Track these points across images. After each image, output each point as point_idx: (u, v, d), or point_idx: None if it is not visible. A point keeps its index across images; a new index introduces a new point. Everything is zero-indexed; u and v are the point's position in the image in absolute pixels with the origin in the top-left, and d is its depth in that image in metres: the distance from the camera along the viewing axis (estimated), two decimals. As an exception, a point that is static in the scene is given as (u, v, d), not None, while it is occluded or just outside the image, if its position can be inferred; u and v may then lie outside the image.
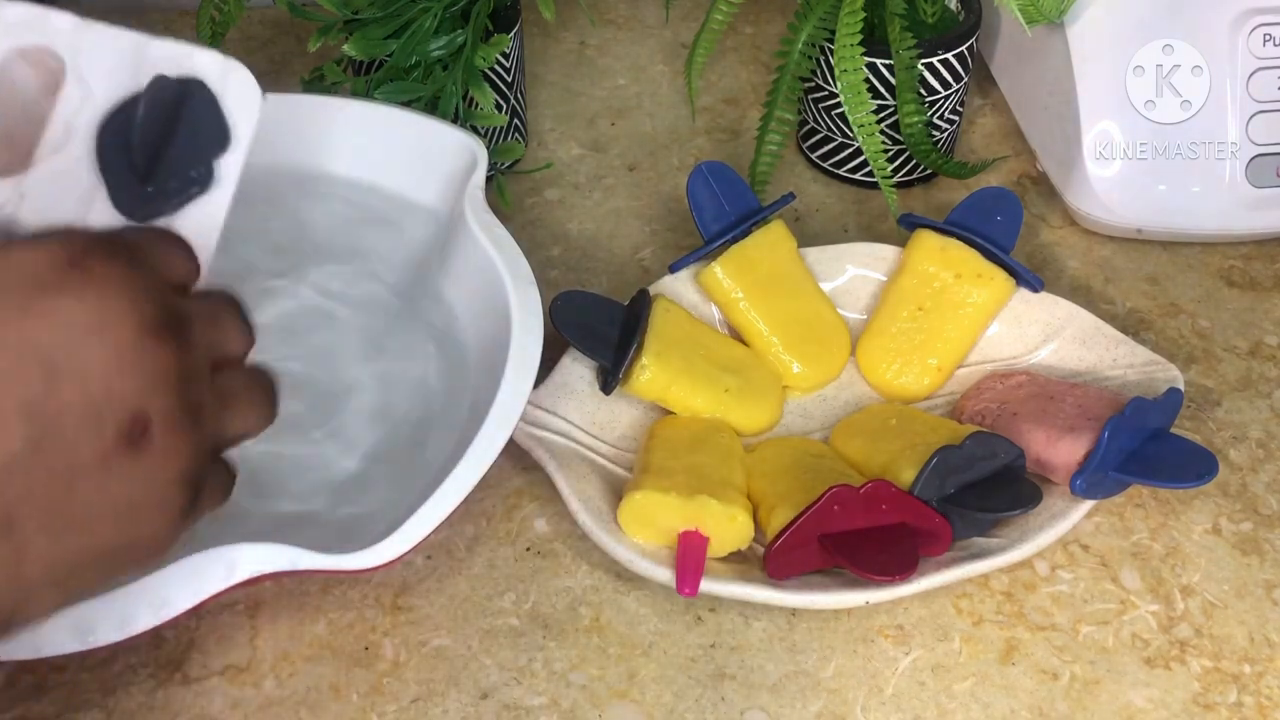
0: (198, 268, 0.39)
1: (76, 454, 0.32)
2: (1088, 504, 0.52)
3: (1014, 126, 0.74)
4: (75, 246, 0.34)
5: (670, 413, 0.57)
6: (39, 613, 0.34)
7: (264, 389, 0.40)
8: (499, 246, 0.55)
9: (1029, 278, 0.58)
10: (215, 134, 0.41)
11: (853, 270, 0.62)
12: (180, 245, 0.39)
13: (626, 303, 0.58)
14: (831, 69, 0.65)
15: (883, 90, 0.66)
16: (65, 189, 0.39)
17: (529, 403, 0.51)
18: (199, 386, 0.36)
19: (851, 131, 0.66)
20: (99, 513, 0.33)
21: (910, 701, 0.48)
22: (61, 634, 0.43)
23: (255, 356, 0.58)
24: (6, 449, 0.31)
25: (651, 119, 0.76)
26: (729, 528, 0.50)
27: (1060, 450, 0.52)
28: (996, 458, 0.51)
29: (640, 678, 0.49)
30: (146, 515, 0.35)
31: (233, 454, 0.40)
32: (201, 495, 0.37)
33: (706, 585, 0.49)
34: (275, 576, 0.46)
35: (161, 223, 0.40)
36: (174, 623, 0.44)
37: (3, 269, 0.33)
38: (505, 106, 0.68)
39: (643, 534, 0.51)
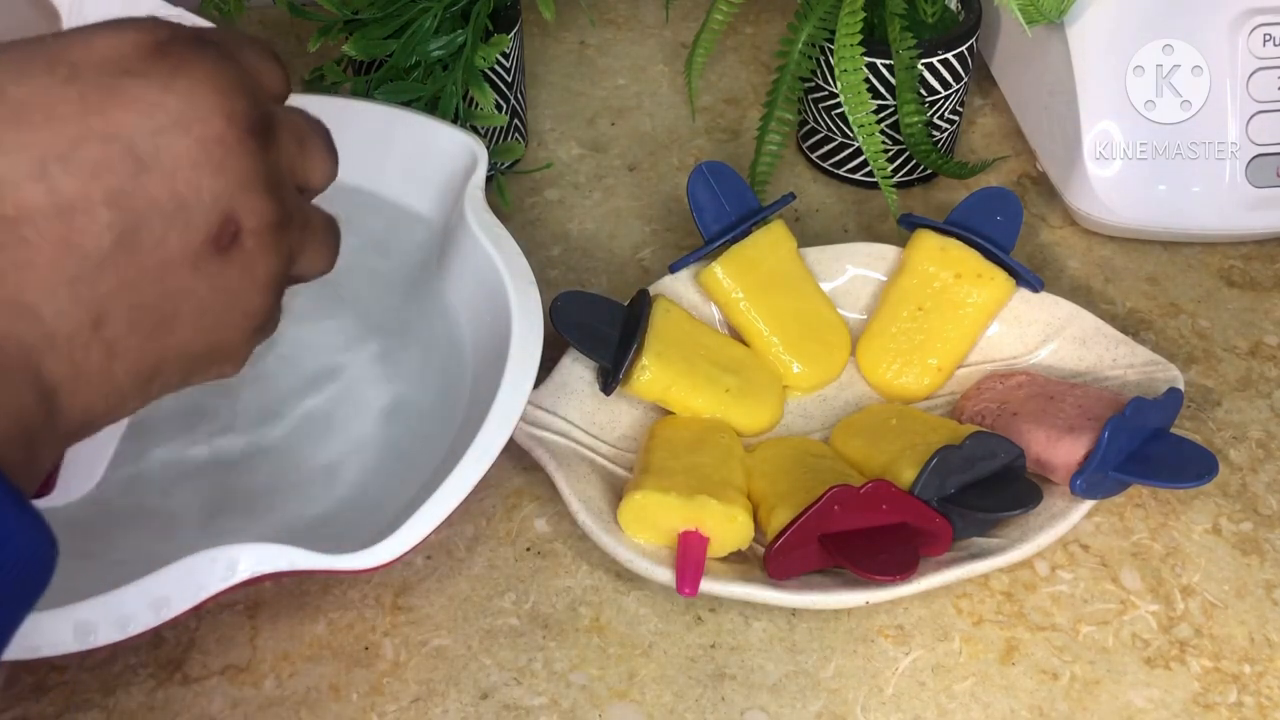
0: (286, 79, 0.36)
1: (166, 251, 0.31)
2: (1088, 504, 0.52)
3: (1014, 126, 0.74)
4: (162, 34, 0.32)
5: (670, 413, 0.57)
6: (122, 414, 0.33)
7: (333, 230, 0.38)
8: (499, 246, 0.55)
9: (1029, 278, 0.58)
10: None
11: (853, 270, 0.62)
12: (269, 53, 0.35)
13: (627, 303, 0.58)
14: (831, 69, 0.65)
15: (883, 90, 0.66)
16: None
17: (529, 403, 0.51)
18: (288, 196, 0.34)
19: (851, 131, 0.66)
20: (187, 315, 0.32)
21: (910, 701, 0.48)
22: (61, 634, 0.43)
23: (254, 358, 0.58)
24: (96, 243, 0.30)
25: (651, 119, 0.76)
26: (729, 528, 0.50)
27: (1060, 450, 0.52)
28: (997, 458, 0.51)
29: (640, 678, 0.49)
30: (232, 321, 0.34)
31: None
32: (279, 310, 0.36)
33: (706, 585, 0.49)
34: (275, 576, 0.46)
35: None
36: (174, 623, 0.44)
37: (85, 53, 0.30)
38: (505, 106, 0.68)
39: (643, 534, 0.51)
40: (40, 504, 0.31)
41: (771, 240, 0.60)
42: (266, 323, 0.36)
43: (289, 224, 0.35)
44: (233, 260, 0.33)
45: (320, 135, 0.36)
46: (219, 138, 0.31)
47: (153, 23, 0.32)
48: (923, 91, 0.66)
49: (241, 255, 0.33)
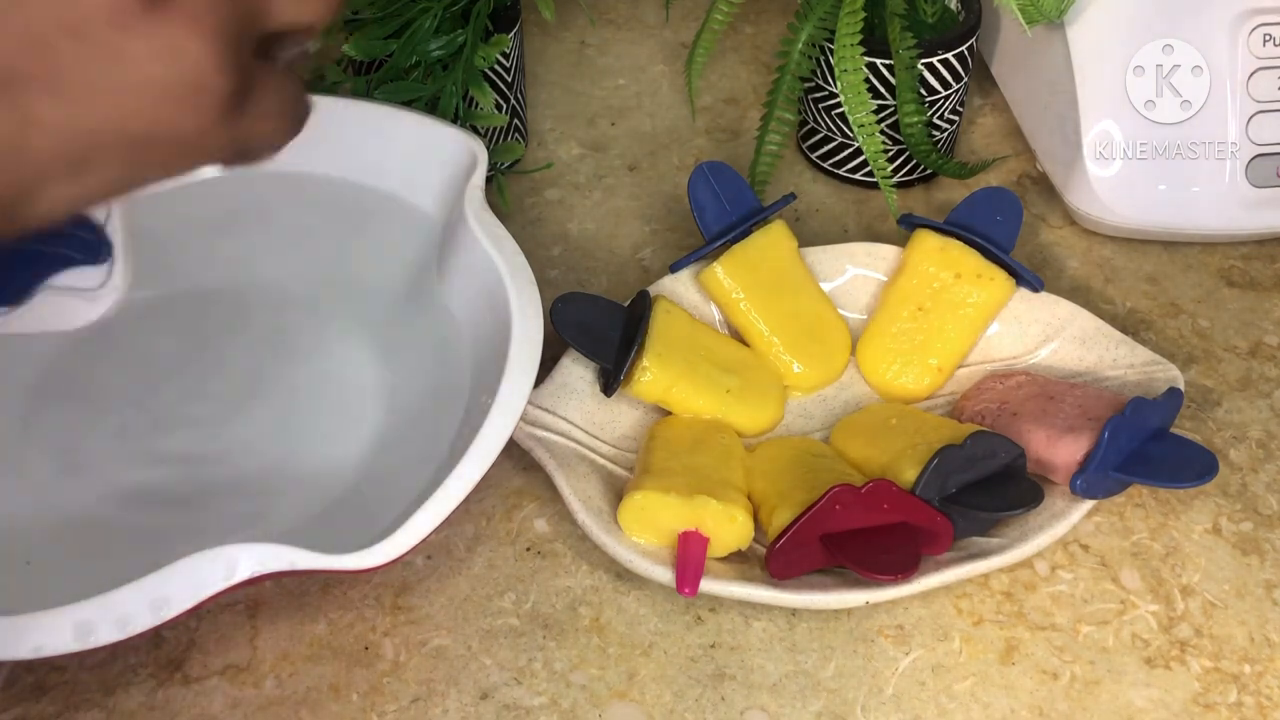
0: None
1: (80, 5, 0.27)
2: (1088, 504, 0.52)
3: (1014, 126, 0.74)
4: None
5: (670, 413, 0.57)
6: (52, 204, 0.29)
7: None
8: (499, 246, 0.55)
9: (1029, 278, 0.58)
10: None
11: (853, 270, 0.62)
12: None
13: (627, 304, 0.58)
14: (831, 69, 0.65)
15: (883, 90, 0.66)
16: None
17: (529, 403, 0.51)
18: None
19: (851, 131, 0.66)
20: (118, 83, 0.28)
21: (910, 701, 0.48)
22: (61, 634, 0.43)
23: (254, 358, 0.58)
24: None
25: (651, 119, 0.76)
26: (729, 528, 0.50)
27: (1060, 450, 0.52)
28: (997, 457, 0.51)
29: (640, 678, 0.49)
30: (178, 95, 0.29)
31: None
32: (255, 93, 0.30)
33: (706, 585, 0.49)
34: (275, 576, 0.46)
35: None
36: (174, 623, 0.44)
37: None
38: (505, 106, 0.68)
39: (643, 534, 0.51)
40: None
41: (772, 240, 0.60)
42: (233, 104, 0.30)
43: None
44: (167, 17, 0.28)
45: None
46: None
47: None
48: (923, 91, 0.66)
49: (176, 9, 0.28)
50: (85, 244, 0.41)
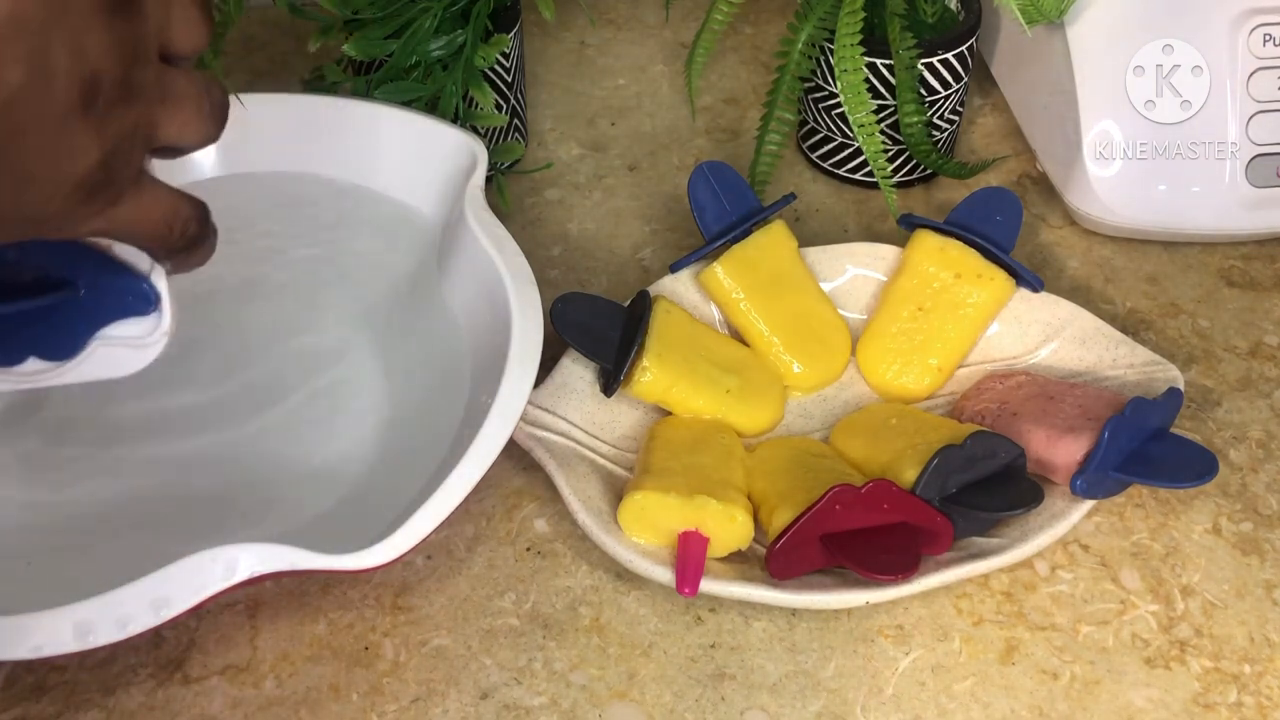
0: None
1: (49, 101, 0.31)
2: (1088, 504, 0.52)
3: (1014, 126, 0.74)
4: None
5: (670, 413, 0.57)
6: None
7: (212, 100, 0.37)
8: (499, 246, 0.55)
9: (1029, 278, 0.58)
10: None
11: (853, 270, 0.62)
12: None
13: (627, 304, 0.58)
14: (831, 69, 0.65)
15: (883, 90, 0.66)
16: None
17: (529, 403, 0.51)
18: (143, 69, 0.34)
19: (851, 131, 0.66)
20: (35, 173, 0.32)
21: (910, 701, 0.48)
22: (61, 634, 0.43)
23: (254, 358, 0.58)
24: (10, 79, 0.30)
25: (651, 119, 0.76)
26: (729, 528, 0.50)
27: (1060, 450, 0.52)
28: (997, 457, 0.51)
29: (640, 678, 0.49)
30: (64, 187, 0.33)
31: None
32: (115, 190, 0.35)
33: (706, 585, 0.49)
34: (275, 576, 0.46)
35: None
36: (174, 623, 0.44)
37: None
38: (505, 106, 0.68)
39: (643, 534, 0.51)
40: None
41: (772, 240, 0.60)
42: (89, 193, 0.34)
43: (140, 95, 0.34)
44: (87, 121, 0.32)
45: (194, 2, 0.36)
46: (90, 8, 0.31)
47: None
48: (923, 91, 0.66)
49: (93, 116, 0.33)
50: (137, 294, 0.42)
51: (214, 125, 0.37)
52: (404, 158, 0.61)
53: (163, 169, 0.38)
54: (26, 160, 0.32)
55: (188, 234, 0.39)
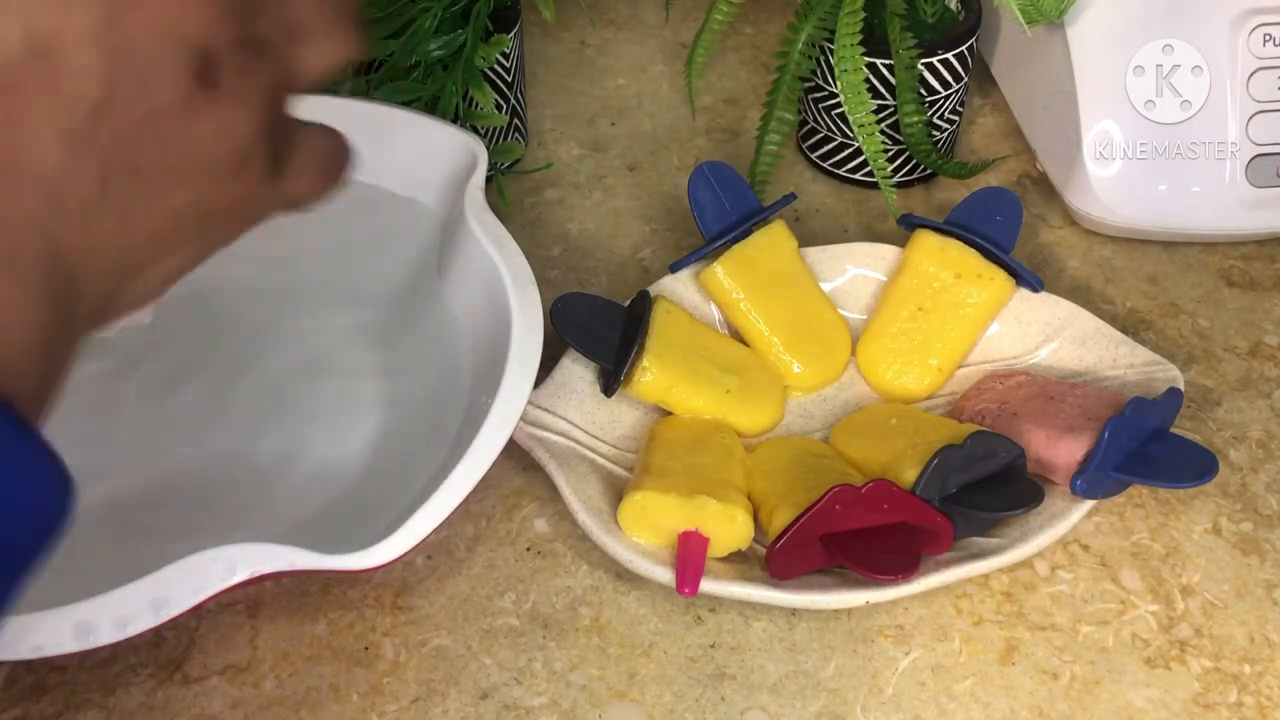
0: None
1: (158, 96, 0.27)
2: (1088, 504, 0.52)
3: (1014, 126, 0.74)
4: None
5: (670, 413, 0.57)
6: (148, 288, 0.30)
7: (344, 15, 0.32)
8: (499, 246, 0.55)
9: (1029, 278, 0.58)
10: None
11: (853, 270, 0.62)
12: None
13: (627, 304, 0.58)
14: (831, 69, 0.65)
15: (883, 90, 0.66)
16: None
17: (529, 403, 0.51)
18: (265, 18, 0.30)
19: (851, 131, 0.66)
20: (192, 166, 0.29)
21: (910, 701, 0.48)
22: (61, 634, 0.43)
23: (254, 358, 0.58)
24: (85, 88, 0.26)
25: (651, 119, 0.76)
26: (729, 528, 0.50)
27: (1060, 450, 0.52)
28: (998, 457, 0.51)
29: (640, 678, 0.49)
30: (233, 170, 0.30)
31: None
32: (287, 157, 0.32)
33: (706, 585, 0.49)
34: (275, 576, 0.46)
35: None
36: (174, 623, 0.44)
37: None
38: (505, 106, 0.68)
39: (643, 534, 0.51)
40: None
41: (772, 240, 0.60)
42: (273, 171, 0.31)
43: (269, 51, 0.30)
44: (218, 101, 0.29)
45: None
46: None
47: None
48: (923, 91, 0.66)
49: (226, 92, 0.29)
50: None
51: (351, 35, 0.33)
52: (404, 158, 0.61)
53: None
54: (173, 164, 0.29)
55: (348, 164, 0.35)
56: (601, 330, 0.56)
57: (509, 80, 0.68)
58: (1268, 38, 0.63)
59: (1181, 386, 0.55)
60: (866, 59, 0.64)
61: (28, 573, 0.26)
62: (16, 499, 0.25)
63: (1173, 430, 0.54)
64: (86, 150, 0.27)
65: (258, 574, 0.45)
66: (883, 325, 0.59)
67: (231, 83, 0.29)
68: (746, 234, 0.60)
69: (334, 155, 0.34)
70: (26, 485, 0.25)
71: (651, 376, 0.55)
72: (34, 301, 0.26)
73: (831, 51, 0.64)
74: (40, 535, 0.26)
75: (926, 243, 0.59)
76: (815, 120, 0.70)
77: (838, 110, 0.68)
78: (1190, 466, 0.52)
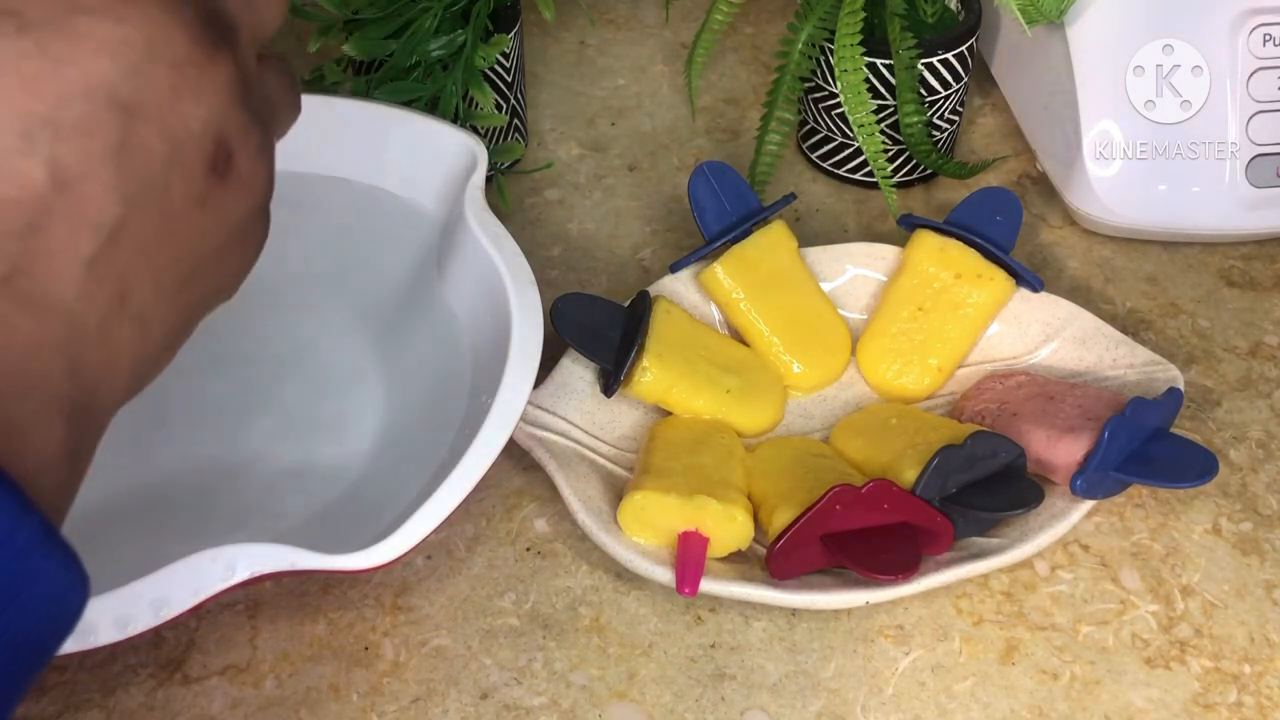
0: None
1: (172, 199, 0.28)
2: (1088, 504, 0.52)
3: (1014, 126, 0.74)
4: None
5: (670, 413, 0.57)
6: (159, 370, 0.32)
7: (289, 77, 0.34)
8: (499, 246, 0.55)
9: (1029, 278, 0.58)
10: None
11: (853, 270, 0.62)
12: None
13: (627, 304, 0.58)
14: (831, 69, 0.65)
15: (883, 90, 0.66)
16: None
17: (529, 403, 0.51)
18: (258, 92, 0.31)
19: (851, 131, 0.66)
20: (208, 257, 0.30)
21: (910, 701, 0.48)
22: (61, 634, 0.43)
23: (254, 358, 0.58)
24: (106, 212, 0.27)
25: (651, 119, 0.76)
26: (729, 528, 0.50)
27: (1060, 450, 0.52)
28: (998, 457, 0.51)
29: (640, 678, 0.49)
30: (241, 249, 0.32)
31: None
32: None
33: (706, 585, 0.49)
34: (275, 576, 0.46)
35: None
36: (174, 623, 0.44)
37: (12, 9, 0.27)
38: (505, 106, 0.68)
39: (643, 534, 0.51)
40: None
41: (772, 240, 0.60)
42: (263, 240, 0.34)
43: (267, 123, 0.32)
44: (231, 186, 0.30)
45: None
46: (188, 58, 0.28)
47: None
48: (923, 91, 0.66)
49: (238, 177, 0.30)
50: None
51: (299, 101, 0.35)
52: (404, 158, 0.61)
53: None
54: (189, 263, 0.30)
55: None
56: (601, 330, 0.56)
57: (509, 80, 0.68)
58: (1268, 38, 0.63)
59: (1181, 386, 0.55)
60: (866, 59, 0.64)
61: (41, 670, 0.27)
62: (45, 604, 0.26)
63: (1173, 430, 0.54)
64: (106, 272, 0.27)
65: (258, 574, 0.45)
66: (883, 325, 0.59)
67: (244, 163, 0.30)
68: (746, 234, 0.60)
69: (291, 84, 0.35)
70: (54, 590, 0.26)
71: (651, 376, 0.55)
72: (57, 420, 0.26)
73: (831, 51, 0.64)
74: (60, 636, 0.27)
75: (926, 243, 0.59)
76: (815, 120, 0.70)
77: (838, 110, 0.68)
78: (1190, 466, 0.52)
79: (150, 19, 0.28)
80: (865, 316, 0.61)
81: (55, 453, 0.27)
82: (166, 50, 0.28)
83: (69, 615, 0.27)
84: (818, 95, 0.69)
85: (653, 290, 0.59)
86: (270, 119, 0.32)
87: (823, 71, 0.67)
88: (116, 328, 0.28)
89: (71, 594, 0.26)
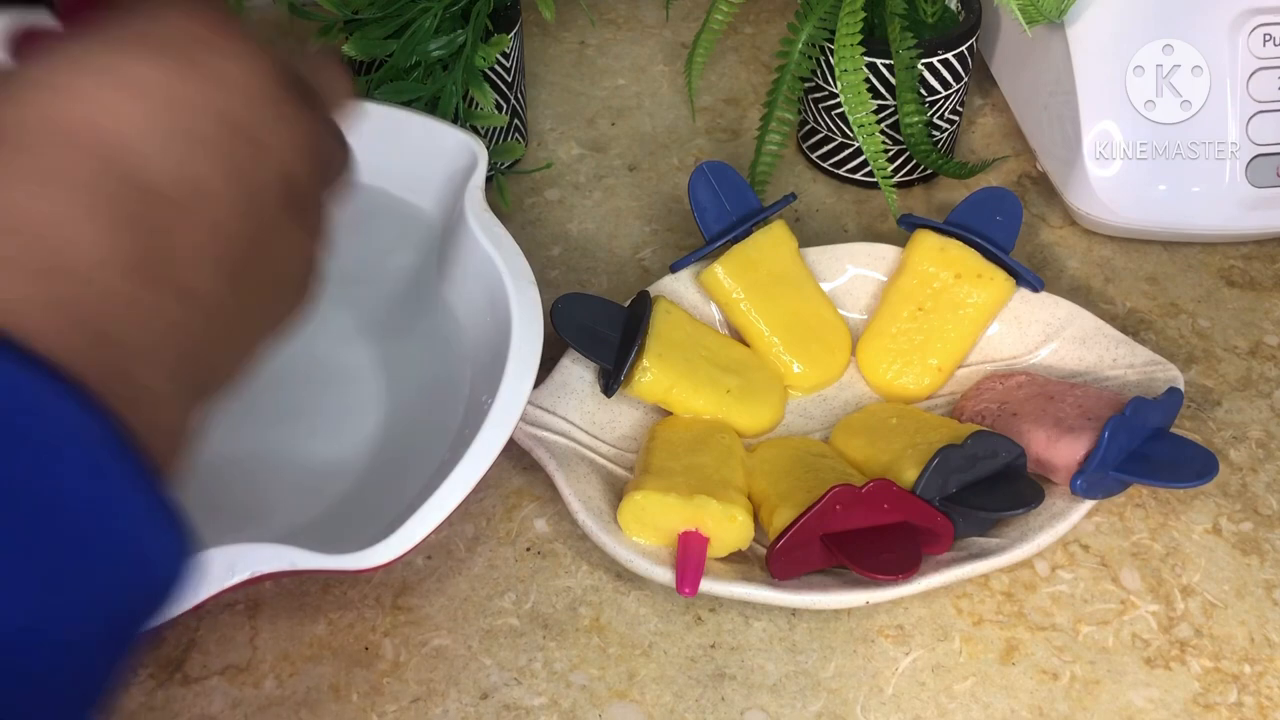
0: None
1: (266, 215, 0.32)
2: (1088, 504, 0.52)
3: (1014, 126, 0.74)
4: (204, 12, 0.33)
5: (670, 413, 0.57)
6: (237, 378, 0.35)
7: (343, 137, 0.39)
8: (499, 246, 0.55)
9: (1029, 278, 0.58)
10: None
11: (853, 270, 0.62)
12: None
13: (627, 304, 0.58)
14: (831, 69, 0.65)
15: (883, 90, 0.66)
16: None
17: (529, 403, 0.51)
18: (326, 146, 0.36)
19: (851, 131, 0.66)
20: (286, 272, 0.35)
21: (910, 701, 0.48)
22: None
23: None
24: (225, 216, 0.31)
25: (651, 119, 0.76)
26: (729, 528, 0.50)
27: (1060, 450, 0.52)
28: (998, 457, 0.51)
29: (640, 678, 0.49)
30: (294, 291, 0.36)
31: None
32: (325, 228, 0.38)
33: (706, 585, 0.49)
34: (275, 576, 0.46)
35: None
36: (174, 623, 0.44)
37: (163, 31, 0.31)
38: (505, 106, 0.68)
39: (643, 534, 0.51)
40: None
41: (772, 240, 0.60)
42: (318, 276, 0.37)
43: (329, 173, 0.36)
44: (296, 220, 0.34)
45: (331, 58, 0.38)
46: (283, 106, 0.33)
47: (193, 2, 0.33)
48: (923, 91, 0.66)
49: (302, 215, 0.34)
50: None
51: (348, 149, 0.39)
52: (404, 158, 0.61)
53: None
54: (266, 271, 0.33)
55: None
56: (601, 330, 0.56)
57: (509, 80, 0.68)
58: (1268, 38, 0.63)
59: (1181, 386, 0.55)
60: (866, 59, 0.64)
61: (139, 638, 0.30)
62: (164, 566, 0.28)
63: (1173, 430, 0.54)
64: (229, 270, 0.31)
65: (258, 574, 0.45)
66: (883, 325, 0.59)
67: (309, 205, 0.35)
68: (746, 234, 0.60)
69: (343, 139, 0.39)
70: (163, 552, 0.28)
71: (651, 376, 0.55)
72: (192, 389, 0.31)
73: (831, 51, 0.64)
74: (168, 598, 0.30)
75: (926, 243, 0.59)
76: (815, 120, 0.70)
77: (838, 110, 0.68)
78: (1190, 466, 0.52)
79: (259, 66, 0.32)
80: (865, 316, 0.61)
81: (174, 421, 0.30)
82: (265, 90, 0.32)
83: (165, 578, 0.29)
84: (818, 95, 0.69)
85: (653, 290, 0.59)
86: (328, 170, 0.37)
87: (823, 71, 0.67)
88: (220, 316, 0.31)
89: (169, 557, 0.28)
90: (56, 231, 0.28)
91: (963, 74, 0.67)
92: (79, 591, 0.26)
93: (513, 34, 0.66)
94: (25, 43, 0.45)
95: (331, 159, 0.37)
